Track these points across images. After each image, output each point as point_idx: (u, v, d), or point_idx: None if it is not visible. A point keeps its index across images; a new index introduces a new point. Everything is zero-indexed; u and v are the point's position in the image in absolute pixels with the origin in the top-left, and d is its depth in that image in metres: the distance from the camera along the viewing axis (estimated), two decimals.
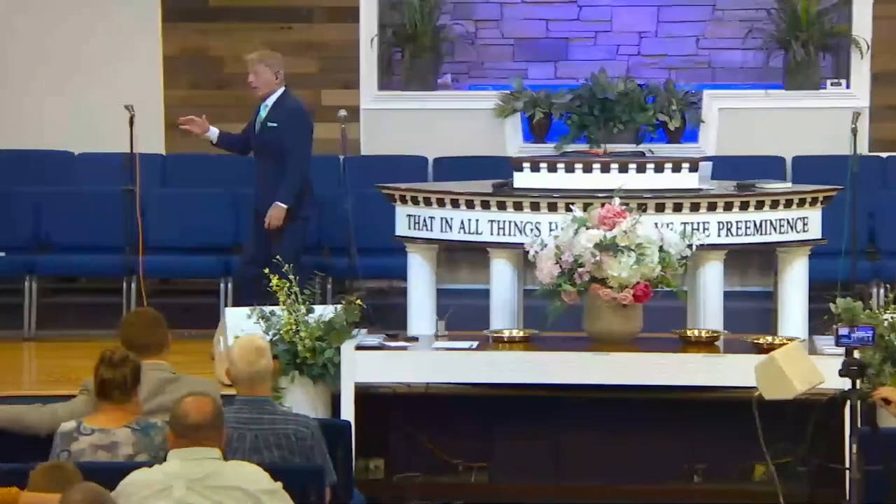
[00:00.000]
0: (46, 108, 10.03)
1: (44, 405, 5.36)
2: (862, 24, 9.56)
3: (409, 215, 7.26)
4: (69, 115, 9.96)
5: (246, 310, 6.69)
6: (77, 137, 9.91)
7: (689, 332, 6.78)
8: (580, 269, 6.46)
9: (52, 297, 9.30)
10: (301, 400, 6.46)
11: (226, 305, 8.37)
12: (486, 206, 7.04)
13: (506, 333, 6.79)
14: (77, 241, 9.10)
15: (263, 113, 8.03)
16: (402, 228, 7.31)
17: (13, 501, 4.33)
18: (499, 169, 7.91)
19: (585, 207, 6.66)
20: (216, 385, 5.54)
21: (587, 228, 6.51)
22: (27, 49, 10.11)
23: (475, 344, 6.64)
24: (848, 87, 9.59)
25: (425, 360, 6.60)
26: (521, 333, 6.80)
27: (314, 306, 6.69)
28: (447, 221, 7.12)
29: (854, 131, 7.75)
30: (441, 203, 7.14)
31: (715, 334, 6.74)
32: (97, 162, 9.76)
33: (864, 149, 8.90)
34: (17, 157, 9.96)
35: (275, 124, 7.96)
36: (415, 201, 7.23)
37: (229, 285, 8.75)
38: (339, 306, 6.72)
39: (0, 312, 8.98)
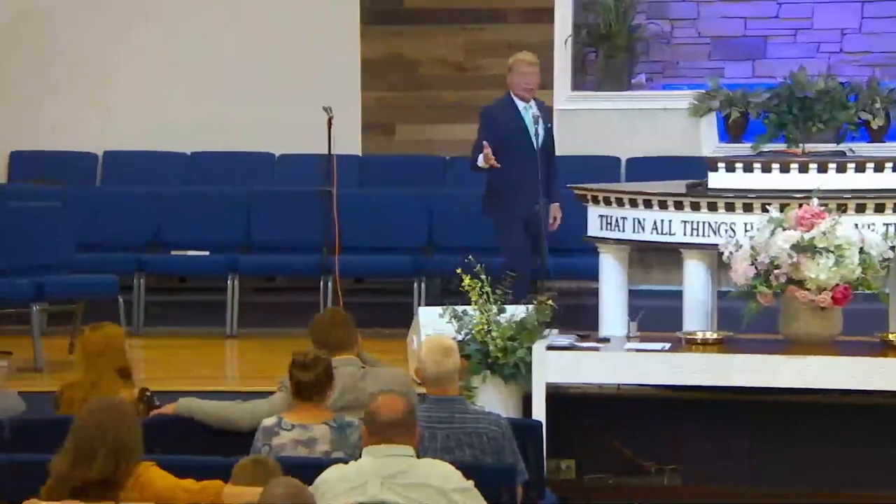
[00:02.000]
0: (248, 111, 10.30)
1: (245, 402, 5.51)
2: None
3: (602, 216, 7.23)
4: (270, 117, 10.21)
5: (439, 309, 6.76)
6: (278, 139, 10.15)
7: (891, 336, 6.59)
8: (776, 271, 6.34)
9: (252, 295, 9.55)
10: (493, 399, 6.49)
11: (419, 304, 8.47)
12: (679, 206, 6.97)
13: (699, 335, 6.71)
14: (277, 241, 9.33)
15: (531, 115, 8.00)
16: (594, 229, 7.28)
17: (218, 494, 4.47)
18: (693, 169, 7.82)
19: (782, 208, 6.54)
20: (406, 376, 5.63)
21: (784, 229, 6.39)
22: (228, 52, 10.40)
23: (668, 346, 6.58)
24: None
25: (617, 362, 6.56)
26: (715, 335, 6.71)
27: (506, 306, 6.72)
28: (640, 222, 7.07)
29: None
30: (634, 203, 7.09)
31: None
32: (296, 163, 9.99)
33: None
34: (221, 158, 10.27)
35: (549, 125, 8.04)
36: (607, 202, 7.20)
37: (423, 284, 8.85)
38: (530, 306, 6.74)
39: (204, 310, 9.26)
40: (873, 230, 6.56)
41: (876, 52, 10.27)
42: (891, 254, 6.44)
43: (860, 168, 6.93)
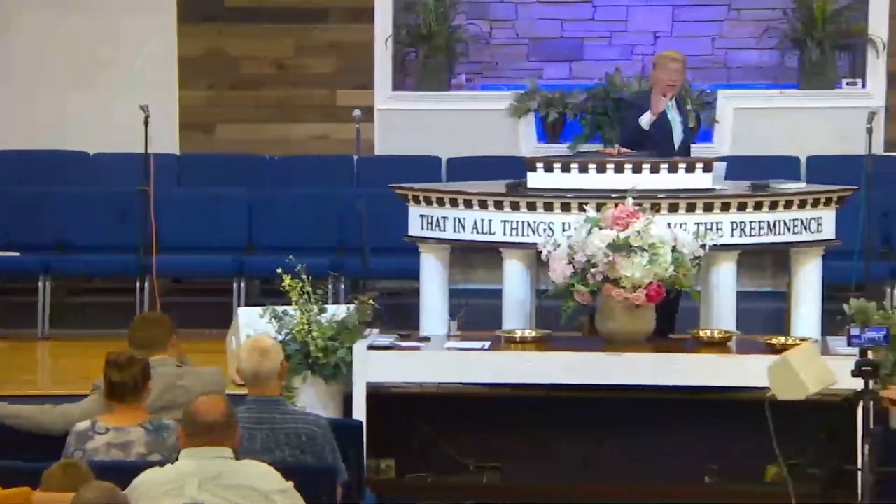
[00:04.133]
0: (62, 109, 10.06)
1: (56, 405, 5.38)
2: (878, 23, 9.53)
3: (423, 215, 7.25)
4: (84, 116, 9.99)
5: (259, 309, 6.71)
6: (92, 138, 9.95)
7: (701, 333, 6.77)
8: (593, 270, 6.45)
9: (66, 297, 9.33)
10: (313, 399, 6.47)
11: (239, 304, 8.39)
12: (499, 206, 7.04)
13: (518, 334, 6.79)
14: (92, 242, 9.14)
15: (673, 113, 7.90)
16: (415, 228, 7.31)
17: (26, 501, 4.35)
18: (513, 169, 7.91)
19: (599, 207, 6.65)
20: (220, 374, 5.59)
21: (600, 228, 6.50)
22: (42, 48, 10.14)
23: (487, 344, 6.64)
24: (864, 86, 9.55)
25: (437, 361, 6.59)
26: (534, 334, 6.80)
27: (327, 306, 6.70)
28: (460, 221, 7.12)
29: (869, 131, 7.72)
30: (454, 203, 7.14)
31: (728, 335, 6.73)
32: (112, 162, 9.80)
33: (878, 149, 8.88)
34: (32, 157, 10.00)
35: (687, 121, 7.98)
36: (428, 201, 7.23)
37: (243, 284, 8.77)
38: (351, 306, 6.73)
39: (15, 312, 9.02)
40: (685, 229, 6.71)
41: (687, 55, 10.52)
42: (701, 252, 6.60)
43: (673, 168, 7.09)
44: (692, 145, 9.29)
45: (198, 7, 10.19)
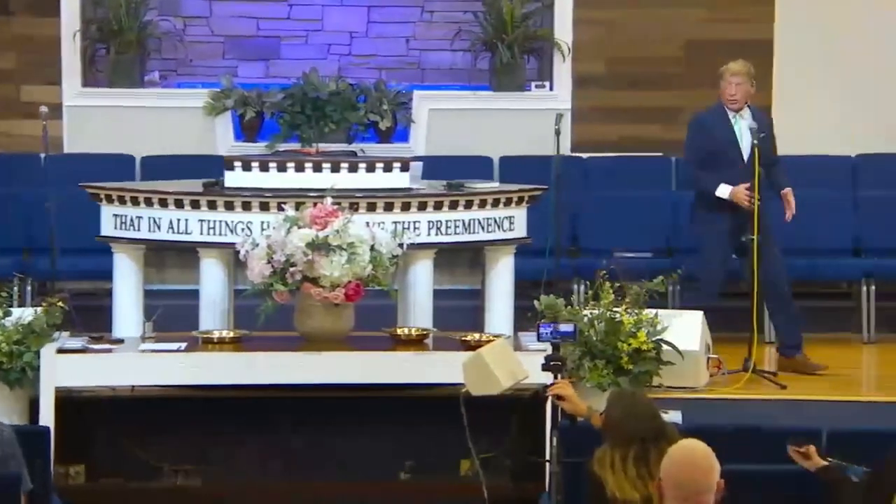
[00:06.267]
0: None
1: None
2: (563, 27, 9.84)
3: (116, 215, 7.10)
4: None
5: None
6: None
7: (399, 331, 6.86)
8: (292, 269, 6.45)
9: None
10: None
11: None
12: (195, 205, 6.95)
13: (215, 334, 6.73)
14: None
15: (743, 123, 7.64)
16: (107, 228, 7.14)
17: None
18: (210, 168, 7.80)
19: (298, 206, 6.65)
20: None
21: (299, 228, 6.51)
22: None
23: (183, 345, 6.55)
24: (551, 89, 9.85)
25: (131, 363, 6.48)
26: (231, 334, 6.75)
27: (12, 309, 6.47)
28: (155, 221, 6.99)
29: (557, 132, 7.97)
30: (149, 202, 7.01)
31: (424, 332, 6.84)
32: None
33: (566, 149, 9.17)
34: None
35: (764, 134, 7.69)
36: (121, 201, 7.08)
37: None
38: (39, 309, 6.51)
39: None
40: (383, 228, 6.79)
41: (382, 55, 10.62)
42: (399, 251, 6.68)
43: (370, 168, 7.16)
44: (397, 144, 9.41)
45: None
